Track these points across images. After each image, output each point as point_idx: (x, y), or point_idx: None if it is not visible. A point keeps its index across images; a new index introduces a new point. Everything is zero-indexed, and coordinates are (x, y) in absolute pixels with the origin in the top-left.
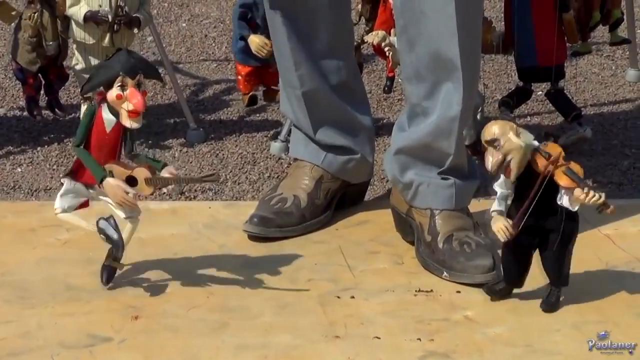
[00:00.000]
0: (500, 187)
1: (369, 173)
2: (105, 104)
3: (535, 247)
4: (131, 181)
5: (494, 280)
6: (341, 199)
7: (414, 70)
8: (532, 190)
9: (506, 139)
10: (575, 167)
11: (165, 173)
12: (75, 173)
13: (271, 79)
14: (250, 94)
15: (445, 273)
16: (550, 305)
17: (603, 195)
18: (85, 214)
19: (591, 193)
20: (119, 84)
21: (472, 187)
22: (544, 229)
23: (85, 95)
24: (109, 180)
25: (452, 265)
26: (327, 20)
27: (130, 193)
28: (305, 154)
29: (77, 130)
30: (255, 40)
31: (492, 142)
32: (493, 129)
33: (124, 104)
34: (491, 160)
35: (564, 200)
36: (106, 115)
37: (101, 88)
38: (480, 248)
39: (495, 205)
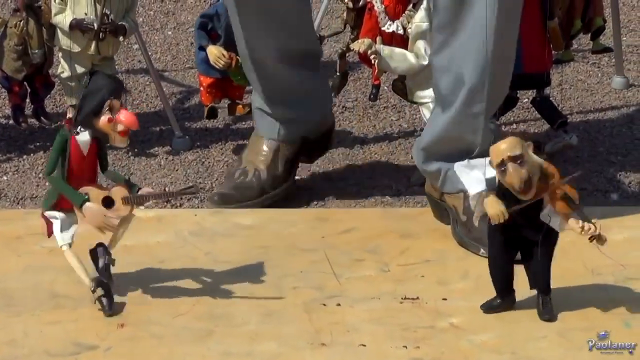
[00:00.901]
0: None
1: (328, 125)
2: (79, 129)
3: (516, 259)
4: (108, 202)
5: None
6: (307, 153)
7: (448, 61)
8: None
9: (528, 156)
10: (572, 192)
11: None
12: (58, 204)
13: (235, 92)
14: (210, 105)
15: (482, 250)
16: (551, 312)
17: (599, 225)
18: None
19: (587, 226)
20: (107, 108)
21: None
22: (527, 240)
23: (82, 124)
24: (88, 205)
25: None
26: None
27: (109, 216)
28: (262, 126)
29: (48, 159)
30: (213, 51)
31: (516, 159)
32: (515, 145)
33: (114, 126)
34: (517, 176)
35: (551, 221)
36: (81, 138)
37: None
38: None
39: (482, 187)
